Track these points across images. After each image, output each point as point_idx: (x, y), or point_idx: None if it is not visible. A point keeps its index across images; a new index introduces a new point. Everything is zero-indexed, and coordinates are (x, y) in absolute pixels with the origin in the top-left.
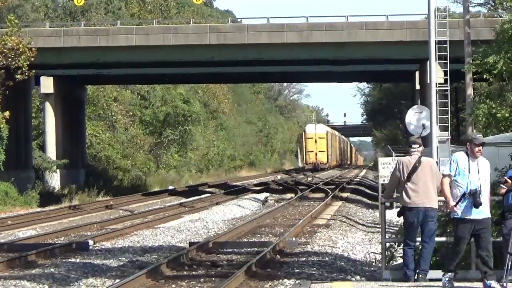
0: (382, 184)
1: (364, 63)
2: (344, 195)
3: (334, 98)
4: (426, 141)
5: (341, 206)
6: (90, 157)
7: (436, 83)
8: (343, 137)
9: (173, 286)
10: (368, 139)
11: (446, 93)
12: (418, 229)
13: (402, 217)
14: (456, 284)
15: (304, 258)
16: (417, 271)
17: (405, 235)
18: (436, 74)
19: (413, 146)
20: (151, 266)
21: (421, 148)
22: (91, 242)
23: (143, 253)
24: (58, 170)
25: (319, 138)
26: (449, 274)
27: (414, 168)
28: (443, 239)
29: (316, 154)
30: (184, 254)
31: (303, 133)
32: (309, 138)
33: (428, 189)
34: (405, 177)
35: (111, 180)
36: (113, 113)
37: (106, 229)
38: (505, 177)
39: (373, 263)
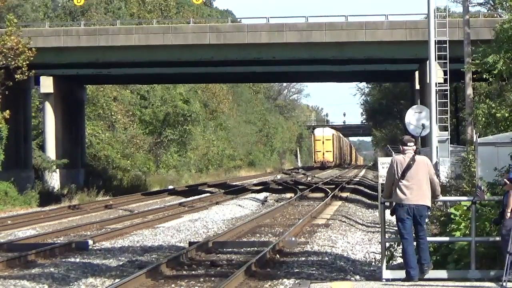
0: (382, 184)
1: (363, 63)
2: (344, 194)
3: (334, 97)
4: (425, 140)
5: (340, 205)
6: (90, 157)
7: (435, 83)
8: (343, 137)
9: (173, 285)
10: (368, 138)
11: (446, 93)
12: (411, 224)
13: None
14: (456, 284)
15: (304, 258)
16: (421, 263)
17: (399, 231)
18: (436, 74)
19: (408, 144)
20: (151, 266)
21: (415, 146)
22: (90, 242)
23: (142, 252)
24: (57, 170)
25: (326, 139)
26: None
27: (408, 166)
28: (443, 239)
29: (323, 154)
30: (183, 253)
31: (312, 135)
32: (318, 140)
33: (422, 186)
34: (399, 175)
35: (110, 179)
36: (112, 113)
37: (105, 228)
38: (505, 179)
39: (373, 263)
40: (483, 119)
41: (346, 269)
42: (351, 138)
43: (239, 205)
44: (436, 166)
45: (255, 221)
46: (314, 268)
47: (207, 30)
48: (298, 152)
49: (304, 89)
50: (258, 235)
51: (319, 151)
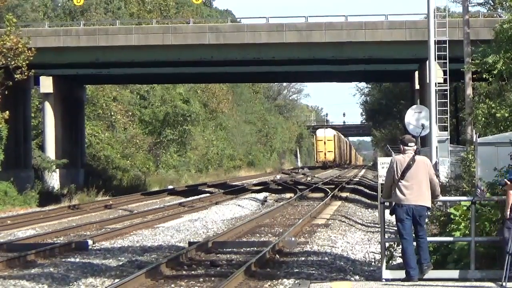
0: (382, 184)
1: (363, 62)
2: (344, 194)
3: (334, 97)
4: (425, 140)
5: (340, 205)
6: (90, 157)
7: (435, 83)
8: (343, 137)
9: (173, 285)
10: (368, 138)
11: (446, 93)
12: (411, 224)
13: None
14: (456, 284)
15: (304, 258)
16: (421, 263)
17: (399, 231)
18: (436, 73)
19: (409, 144)
20: (151, 266)
21: (416, 146)
22: (90, 242)
23: (142, 252)
24: (57, 170)
25: (327, 140)
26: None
27: (408, 166)
28: (443, 239)
29: (325, 154)
30: (183, 253)
31: (314, 135)
32: (319, 140)
33: (421, 187)
34: (399, 175)
35: (110, 179)
36: (112, 113)
37: (105, 228)
38: (505, 180)
39: (373, 263)
40: (483, 119)
41: (346, 269)
42: (351, 138)
43: (239, 205)
44: (436, 166)
45: (255, 221)
46: (313, 268)
47: (206, 30)
48: (298, 152)
49: (304, 89)
50: (257, 235)
51: (321, 151)
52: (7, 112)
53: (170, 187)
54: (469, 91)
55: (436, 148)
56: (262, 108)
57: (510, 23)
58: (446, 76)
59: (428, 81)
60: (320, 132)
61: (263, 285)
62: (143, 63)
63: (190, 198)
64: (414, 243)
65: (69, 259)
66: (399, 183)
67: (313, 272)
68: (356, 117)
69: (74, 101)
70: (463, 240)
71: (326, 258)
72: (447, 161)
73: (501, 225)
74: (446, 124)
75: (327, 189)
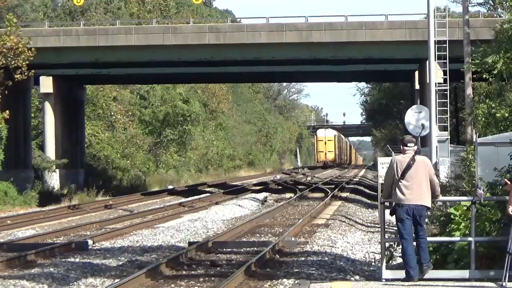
0: (382, 184)
1: (363, 62)
2: (344, 194)
3: (334, 97)
4: (425, 140)
5: (340, 205)
6: (90, 157)
7: (435, 83)
8: (344, 137)
9: (172, 285)
10: (368, 138)
11: (446, 93)
12: (411, 224)
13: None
14: (456, 284)
15: (303, 258)
16: (421, 263)
17: (399, 231)
18: (436, 73)
19: (408, 144)
20: (150, 266)
21: (416, 147)
22: (90, 242)
23: (142, 252)
24: (57, 170)
25: (328, 140)
26: None
27: (408, 166)
28: (443, 239)
29: (325, 154)
30: (183, 253)
31: (315, 135)
32: (320, 140)
33: (421, 187)
34: (399, 175)
35: (110, 179)
36: (112, 113)
37: (105, 228)
38: (505, 180)
39: (373, 263)
40: (483, 119)
41: (346, 269)
42: (351, 138)
43: (239, 205)
44: (436, 166)
45: (255, 221)
46: (313, 268)
47: (206, 30)
48: (298, 152)
49: (304, 89)
50: (257, 235)
51: (322, 151)
52: (7, 112)
53: (170, 187)
54: (469, 91)
55: (436, 148)
56: (262, 108)
57: (510, 23)
58: (446, 76)
59: (428, 81)
60: (320, 132)
61: (263, 285)
62: (143, 63)
63: (190, 198)
64: (414, 243)
65: (69, 259)
66: (399, 183)
67: (313, 272)
68: (356, 117)
69: (74, 101)
70: (463, 240)
71: (326, 258)
72: (447, 161)
73: (504, 225)
74: (446, 124)
75: (327, 189)
